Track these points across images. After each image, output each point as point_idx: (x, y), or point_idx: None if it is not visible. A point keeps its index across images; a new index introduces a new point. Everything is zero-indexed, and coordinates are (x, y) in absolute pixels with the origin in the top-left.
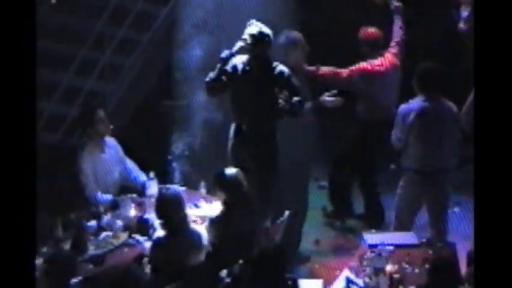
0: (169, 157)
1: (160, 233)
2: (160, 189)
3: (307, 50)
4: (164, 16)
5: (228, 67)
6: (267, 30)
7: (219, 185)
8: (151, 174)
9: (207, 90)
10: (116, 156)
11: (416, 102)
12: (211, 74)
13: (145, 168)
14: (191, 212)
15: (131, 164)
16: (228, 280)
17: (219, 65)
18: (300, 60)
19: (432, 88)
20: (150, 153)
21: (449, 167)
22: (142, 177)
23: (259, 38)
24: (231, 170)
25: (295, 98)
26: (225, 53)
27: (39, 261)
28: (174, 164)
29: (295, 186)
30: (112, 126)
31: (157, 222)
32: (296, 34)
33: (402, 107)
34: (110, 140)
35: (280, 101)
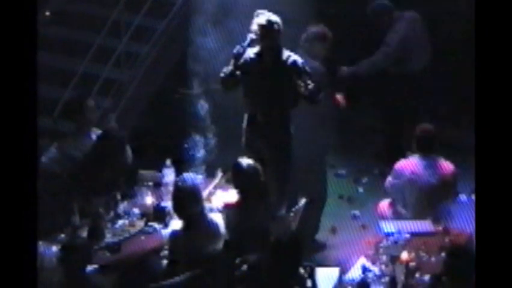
0: (186, 145)
1: (177, 224)
2: (176, 182)
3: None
4: (181, 3)
5: (241, 61)
6: (275, 18)
7: (237, 174)
8: (168, 162)
9: (222, 85)
10: None
11: (412, 161)
12: (225, 69)
13: (161, 156)
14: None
15: None
16: (245, 268)
17: (232, 61)
18: (326, 53)
19: (428, 149)
20: (166, 141)
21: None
22: None
23: (268, 27)
24: (248, 160)
25: (313, 84)
26: (236, 49)
27: (55, 248)
28: (190, 152)
29: (313, 175)
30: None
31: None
32: (322, 27)
33: (400, 162)
34: (98, 132)
35: (301, 86)
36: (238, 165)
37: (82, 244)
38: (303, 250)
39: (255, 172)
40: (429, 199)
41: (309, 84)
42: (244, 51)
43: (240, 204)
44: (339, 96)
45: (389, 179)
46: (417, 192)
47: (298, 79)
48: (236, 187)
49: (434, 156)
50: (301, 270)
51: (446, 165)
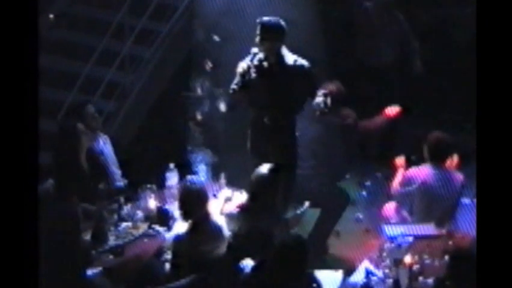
0: (189, 148)
1: (181, 227)
2: (184, 183)
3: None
4: (184, 7)
5: (248, 76)
6: (278, 22)
7: (259, 183)
8: (171, 165)
9: (231, 99)
10: (109, 152)
11: (423, 169)
12: (234, 86)
13: (164, 159)
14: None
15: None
16: (248, 271)
17: (239, 78)
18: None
19: (441, 158)
20: (170, 144)
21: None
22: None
23: (272, 31)
24: (266, 168)
25: (322, 92)
26: (242, 67)
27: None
28: (194, 155)
29: (328, 181)
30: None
31: (177, 213)
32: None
33: (411, 170)
34: (103, 136)
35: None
36: (260, 176)
37: (84, 247)
38: (310, 254)
39: (273, 179)
40: (438, 209)
41: (314, 92)
42: (250, 68)
43: (247, 208)
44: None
45: (397, 186)
46: (427, 201)
47: (305, 86)
48: (249, 192)
49: (446, 167)
50: (305, 274)
51: (458, 176)
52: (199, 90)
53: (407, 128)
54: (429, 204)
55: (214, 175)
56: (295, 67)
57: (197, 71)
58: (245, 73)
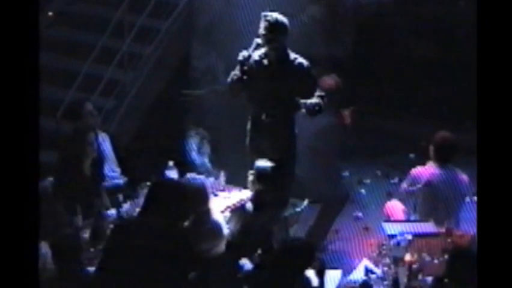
0: (188, 146)
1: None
2: (186, 181)
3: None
4: (184, 4)
5: (248, 66)
6: (282, 19)
7: (262, 178)
8: (170, 163)
9: (229, 91)
10: (108, 150)
11: (428, 169)
12: (233, 75)
13: (164, 157)
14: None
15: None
16: (247, 269)
17: (238, 66)
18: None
19: (447, 158)
20: (169, 142)
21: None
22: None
23: (275, 28)
24: (267, 163)
25: (318, 94)
26: (242, 55)
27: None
28: (193, 153)
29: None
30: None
31: None
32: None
33: (416, 169)
34: (102, 134)
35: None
36: (262, 170)
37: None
38: (314, 254)
39: (268, 176)
40: (442, 208)
41: (310, 91)
42: (250, 57)
43: (246, 206)
44: (345, 114)
45: (404, 184)
46: (431, 201)
47: (304, 84)
48: (254, 188)
49: (452, 167)
50: (310, 271)
51: (463, 178)
52: (198, 88)
53: (407, 127)
54: (434, 203)
55: (214, 173)
56: (295, 65)
57: (197, 68)
58: (245, 60)
